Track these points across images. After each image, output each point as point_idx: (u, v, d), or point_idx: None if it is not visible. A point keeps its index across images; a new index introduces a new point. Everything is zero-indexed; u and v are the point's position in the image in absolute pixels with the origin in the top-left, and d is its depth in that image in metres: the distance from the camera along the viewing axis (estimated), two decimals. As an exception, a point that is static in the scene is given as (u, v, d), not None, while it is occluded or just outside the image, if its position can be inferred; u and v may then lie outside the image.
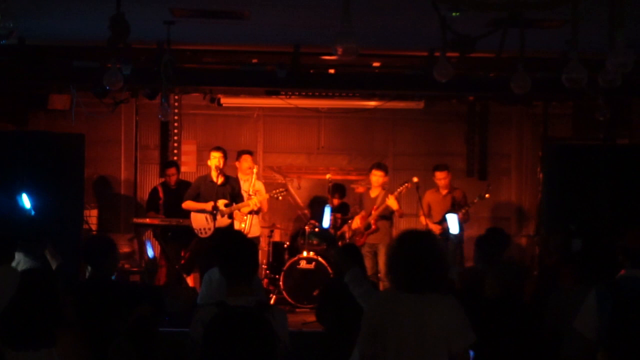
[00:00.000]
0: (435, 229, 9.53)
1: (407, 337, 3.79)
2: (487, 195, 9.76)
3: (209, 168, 9.17)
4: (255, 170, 9.53)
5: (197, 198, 9.10)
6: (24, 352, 3.72)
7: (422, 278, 3.81)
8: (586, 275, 5.10)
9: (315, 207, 10.61)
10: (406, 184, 9.45)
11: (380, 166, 9.68)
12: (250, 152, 9.79)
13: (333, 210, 9.70)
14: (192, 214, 9.13)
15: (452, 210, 9.53)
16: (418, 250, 3.86)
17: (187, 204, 9.10)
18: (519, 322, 4.77)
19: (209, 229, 9.00)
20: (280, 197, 9.37)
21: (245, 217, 9.24)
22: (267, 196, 9.34)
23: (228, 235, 4.72)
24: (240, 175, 9.44)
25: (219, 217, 8.94)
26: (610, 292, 4.12)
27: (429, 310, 3.80)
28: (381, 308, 3.92)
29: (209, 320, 2.98)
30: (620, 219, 7.67)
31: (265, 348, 2.91)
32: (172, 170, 10.16)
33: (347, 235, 9.78)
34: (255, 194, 9.19)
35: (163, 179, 10.47)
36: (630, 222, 6.44)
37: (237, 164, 9.56)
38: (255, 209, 9.16)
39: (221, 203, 8.94)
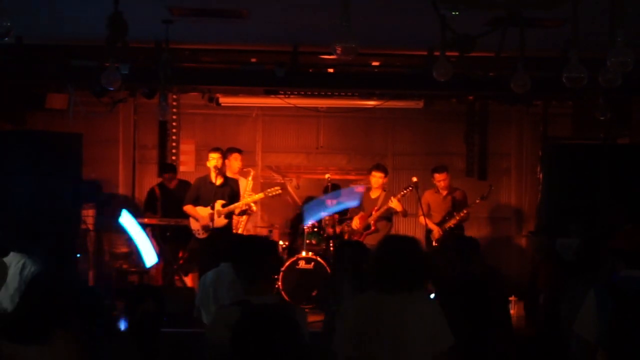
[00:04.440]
0: (435, 229, 9.51)
1: (389, 337, 3.83)
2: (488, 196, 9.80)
3: (208, 169, 9.15)
4: (252, 174, 9.55)
5: (197, 200, 9.10)
6: (16, 345, 3.74)
7: (401, 278, 3.89)
8: (565, 275, 5.13)
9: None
10: (410, 187, 9.42)
11: (379, 167, 9.66)
12: (239, 150, 9.72)
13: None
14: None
15: (454, 211, 9.52)
16: (399, 252, 3.97)
17: (187, 209, 9.12)
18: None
19: (206, 229, 9.01)
20: (271, 195, 9.31)
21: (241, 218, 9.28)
22: (262, 195, 9.30)
23: (250, 237, 4.78)
24: (229, 175, 9.38)
25: (215, 217, 8.92)
26: (609, 292, 4.10)
27: (410, 310, 3.86)
28: (362, 310, 3.96)
29: (237, 320, 2.94)
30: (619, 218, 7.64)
31: (297, 347, 2.90)
32: (171, 175, 10.16)
33: (345, 235, 9.76)
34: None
35: (161, 180, 10.44)
36: (626, 223, 6.46)
37: (226, 162, 9.48)
38: (244, 208, 9.12)
39: (219, 204, 8.93)
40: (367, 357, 3.89)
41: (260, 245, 4.12)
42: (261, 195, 9.29)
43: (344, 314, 4.06)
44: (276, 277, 9.33)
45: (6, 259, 5.78)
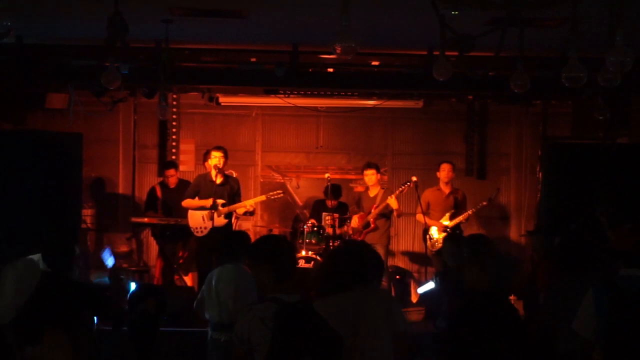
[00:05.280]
0: (437, 225, 9.51)
1: (360, 328, 4.04)
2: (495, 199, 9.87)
3: (209, 167, 9.15)
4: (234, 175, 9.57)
5: (196, 196, 9.10)
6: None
7: (356, 273, 4.14)
8: (563, 272, 5.12)
9: (313, 206, 10.60)
10: (408, 184, 9.46)
11: (370, 165, 9.71)
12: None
13: (331, 210, 9.67)
14: (190, 212, 9.12)
15: (455, 211, 9.54)
16: (352, 253, 4.27)
17: (186, 202, 9.11)
18: (503, 317, 4.74)
19: (205, 228, 9.00)
20: (273, 197, 9.38)
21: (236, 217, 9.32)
22: (263, 198, 9.35)
23: (274, 236, 4.91)
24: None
25: (215, 216, 8.93)
26: (607, 291, 4.12)
27: (368, 302, 4.10)
28: (330, 311, 4.05)
29: (277, 318, 3.06)
30: (619, 218, 7.65)
31: (339, 342, 3.05)
32: (172, 172, 10.13)
33: (345, 235, 9.77)
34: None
35: (161, 179, 10.44)
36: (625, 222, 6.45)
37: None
38: (251, 209, 9.15)
39: (219, 203, 8.94)
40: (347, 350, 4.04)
41: (286, 245, 4.23)
42: (263, 197, 9.34)
43: None
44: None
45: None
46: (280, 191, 9.45)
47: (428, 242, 9.60)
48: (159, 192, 10.13)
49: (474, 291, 4.81)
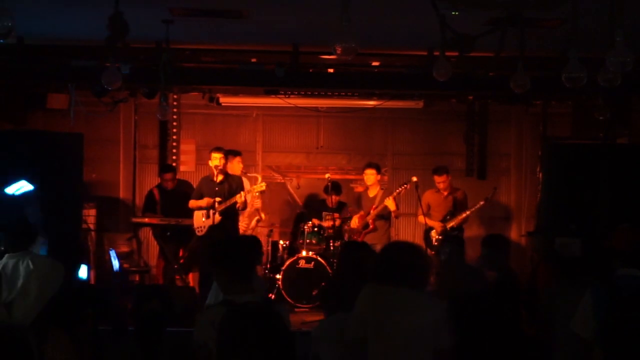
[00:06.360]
0: (437, 226, 9.52)
1: (394, 328, 3.99)
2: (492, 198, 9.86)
3: (210, 168, 9.20)
4: (259, 181, 9.59)
5: (200, 198, 9.17)
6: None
7: (410, 273, 4.10)
8: (568, 275, 5.14)
9: (313, 206, 10.60)
10: (405, 185, 9.48)
11: (371, 165, 9.73)
12: (239, 153, 9.82)
13: (331, 210, 9.67)
14: (195, 213, 9.21)
15: (453, 210, 9.55)
16: (412, 250, 4.26)
17: (191, 203, 9.21)
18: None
19: (204, 226, 9.07)
20: (256, 193, 9.38)
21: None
22: (246, 193, 9.33)
23: (228, 239, 4.82)
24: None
25: (211, 214, 8.99)
26: (605, 291, 4.12)
27: (415, 304, 4.04)
28: (372, 299, 4.12)
29: (222, 320, 2.99)
30: (619, 218, 7.66)
31: (286, 342, 2.97)
32: (169, 176, 10.13)
33: (345, 235, 9.78)
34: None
35: (160, 181, 10.44)
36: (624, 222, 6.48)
37: (228, 165, 9.47)
38: (242, 200, 9.09)
39: (217, 201, 9.00)
40: (373, 342, 4.04)
41: (239, 247, 4.18)
42: (245, 193, 9.28)
43: (357, 300, 4.21)
44: (276, 276, 9.37)
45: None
46: (264, 183, 9.38)
47: (429, 242, 9.61)
48: (157, 196, 10.13)
49: (452, 294, 4.84)
